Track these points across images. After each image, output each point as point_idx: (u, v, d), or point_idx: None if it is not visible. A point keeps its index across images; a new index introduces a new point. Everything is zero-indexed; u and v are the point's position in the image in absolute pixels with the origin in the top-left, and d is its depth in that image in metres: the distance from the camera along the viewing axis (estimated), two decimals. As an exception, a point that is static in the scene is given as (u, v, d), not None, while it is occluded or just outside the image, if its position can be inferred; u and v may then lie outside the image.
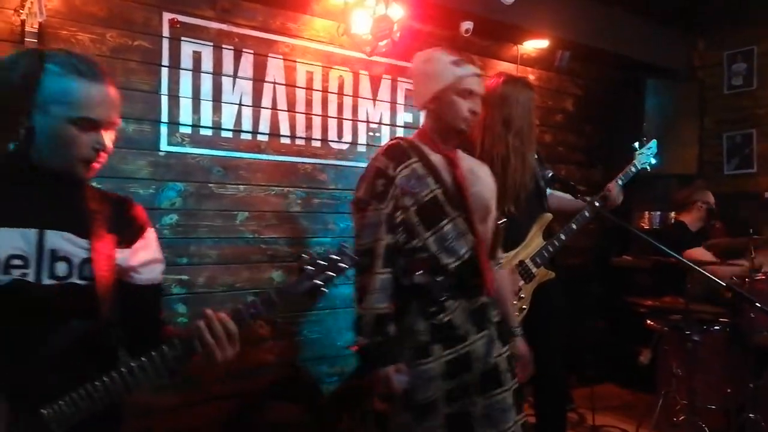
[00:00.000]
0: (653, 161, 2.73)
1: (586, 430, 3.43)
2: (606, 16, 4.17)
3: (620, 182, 2.62)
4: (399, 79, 3.54)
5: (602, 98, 4.57)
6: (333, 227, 3.28)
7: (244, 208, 2.99)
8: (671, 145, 4.31)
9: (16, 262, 1.18)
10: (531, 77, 4.16)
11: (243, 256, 2.95)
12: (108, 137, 1.27)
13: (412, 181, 1.79)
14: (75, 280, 1.23)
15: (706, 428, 2.73)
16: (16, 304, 1.18)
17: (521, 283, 2.36)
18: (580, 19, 4.04)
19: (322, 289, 1.30)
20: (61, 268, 1.22)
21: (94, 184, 1.39)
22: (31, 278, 1.19)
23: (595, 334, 4.37)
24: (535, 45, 4.06)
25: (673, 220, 4.24)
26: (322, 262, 1.30)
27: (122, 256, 1.31)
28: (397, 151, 1.85)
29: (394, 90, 3.53)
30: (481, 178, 1.94)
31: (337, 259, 1.32)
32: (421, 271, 1.78)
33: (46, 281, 1.20)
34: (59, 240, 1.23)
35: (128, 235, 1.34)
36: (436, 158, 1.86)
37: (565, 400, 2.79)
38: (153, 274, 1.38)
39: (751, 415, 2.69)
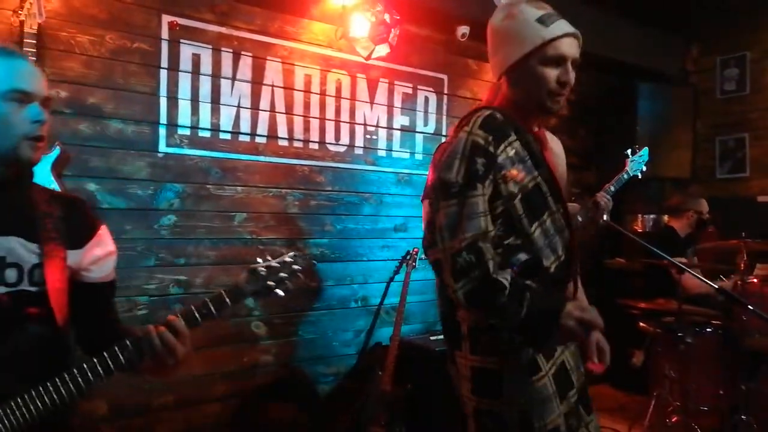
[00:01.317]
0: (644, 168, 2.77)
1: None
2: (600, 21, 4.22)
3: (612, 189, 2.65)
4: (396, 82, 3.56)
5: (596, 102, 4.61)
6: (330, 228, 3.30)
7: (242, 209, 3.01)
8: (665, 149, 4.35)
9: None
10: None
11: (241, 256, 2.97)
12: (45, 112, 1.24)
13: (516, 163, 1.45)
14: (26, 286, 1.21)
15: (698, 429, 2.76)
16: None
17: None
18: (574, 24, 4.02)
19: (275, 291, 1.30)
20: (10, 275, 1.20)
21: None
22: None
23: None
24: (530, 49, 4.09)
25: (664, 225, 4.29)
26: (275, 265, 1.31)
27: (74, 257, 1.29)
28: (497, 125, 1.46)
29: (391, 93, 3.56)
30: (561, 159, 1.68)
31: (290, 262, 1.32)
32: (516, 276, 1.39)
33: None
34: (8, 246, 1.21)
35: (80, 236, 1.32)
36: (530, 137, 1.51)
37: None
38: (105, 271, 1.36)
39: (743, 416, 2.73)
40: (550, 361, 1.47)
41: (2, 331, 1.18)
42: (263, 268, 1.30)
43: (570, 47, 1.48)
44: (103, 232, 1.37)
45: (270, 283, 1.29)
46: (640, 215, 4.52)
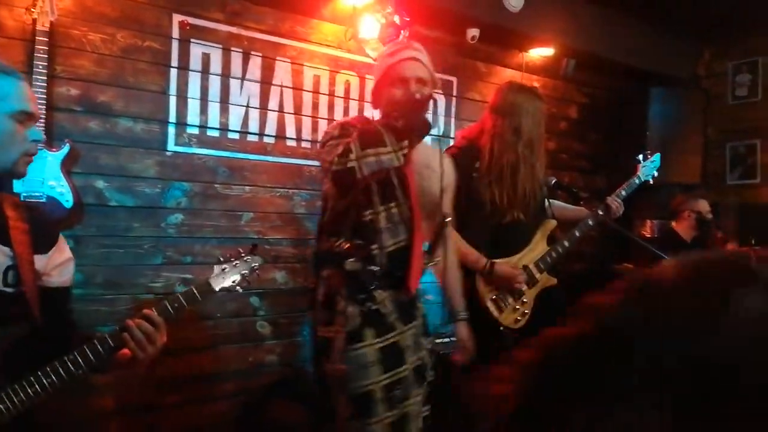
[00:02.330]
0: (656, 174, 2.76)
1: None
2: (612, 25, 4.19)
3: (624, 193, 2.63)
4: (405, 83, 3.56)
5: (606, 106, 4.59)
6: (337, 230, 3.30)
7: (249, 208, 3.01)
8: (674, 154, 4.32)
9: None
10: (536, 84, 4.18)
11: (247, 256, 2.97)
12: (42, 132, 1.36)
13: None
14: (0, 287, 1.27)
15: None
16: None
17: (524, 287, 2.37)
18: (586, 28, 4.06)
19: (237, 288, 1.50)
20: None
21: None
22: None
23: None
24: (540, 53, 4.08)
25: (667, 229, 4.26)
26: (234, 261, 1.48)
27: (40, 262, 1.35)
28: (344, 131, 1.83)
29: (399, 94, 3.55)
30: (435, 174, 1.93)
31: (248, 260, 1.51)
32: (354, 258, 1.80)
33: None
34: None
35: (44, 242, 1.38)
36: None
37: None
38: (65, 276, 1.43)
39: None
40: (381, 338, 1.81)
41: None
42: (226, 266, 1.49)
43: (412, 69, 1.79)
44: (62, 239, 1.45)
45: (233, 280, 1.50)
46: (648, 221, 4.49)
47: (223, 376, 2.91)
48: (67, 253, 1.45)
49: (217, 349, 2.88)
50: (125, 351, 1.33)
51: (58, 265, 1.40)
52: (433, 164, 1.94)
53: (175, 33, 2.79)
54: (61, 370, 1.24)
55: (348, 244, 1.82)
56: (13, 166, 1.30)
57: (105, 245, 2.61)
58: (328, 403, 1.86)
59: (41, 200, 2.29)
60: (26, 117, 1.31)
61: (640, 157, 2.75)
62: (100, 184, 2.61)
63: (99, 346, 1.29)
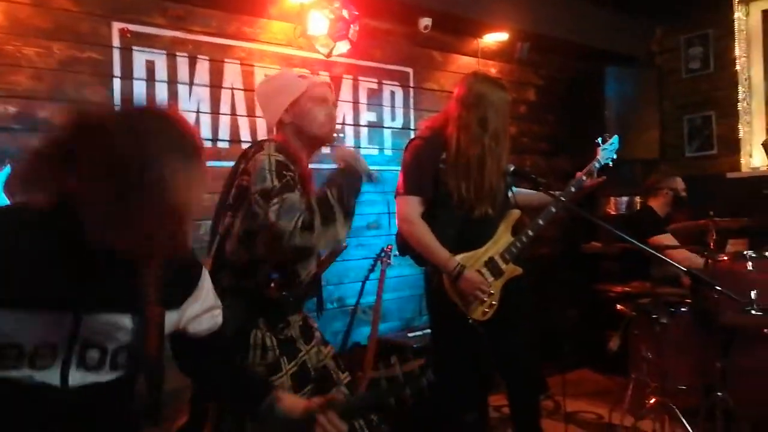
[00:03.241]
0: (615, 156, 2.78)
1: (561, 417, 3.47)
2: (564, 6, 4.21)
3: (584, 178, 2.64)
4: (360, 78, 3.51)
5: (563, 87, 4.61)
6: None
7: (206, 217, 2.93)
8: (633, 131, 4.37)
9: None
10: (492, 70, 4.18)
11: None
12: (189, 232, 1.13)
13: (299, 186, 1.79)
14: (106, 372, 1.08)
15: (676, 409, 2.78)
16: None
17: (491, 279, 2.36)
18: (539, 10, 4.06)
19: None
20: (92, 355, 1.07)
21: None
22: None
23: (569, 321, 4.43)
24: (495, 38, 4.07)
25: (639, 205, 4.31)
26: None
27: (171, 318, 1.18)
28: (288, 152, 1.82)
29: (355, 89, 3.51)
30: None
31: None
32: (275, 285, 1.78)
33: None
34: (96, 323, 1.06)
35: (179, 292, 1.20)
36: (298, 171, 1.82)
37: (536, 389, 2.82)
38: (209, 323, 1.28)
39: (719, 393, 2.75)
40: (293, 363, 1.80)
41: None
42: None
43: (330, 94, 1.95)
44: (204, 283, 1.27)
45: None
46: (612, 198, 4.54)
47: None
48: (208, 303, 1.29)
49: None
50: None
51: (194, 316, 1.26)
52: None
53: (116, 41, 2.70)
54: None
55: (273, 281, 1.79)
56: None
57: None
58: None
59: None
60: None
61: (600, 140, 2.76)
62: (48, 203, 2.51)
63: None
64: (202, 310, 1.25)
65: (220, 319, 1.31)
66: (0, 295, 0.98)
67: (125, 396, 1.13)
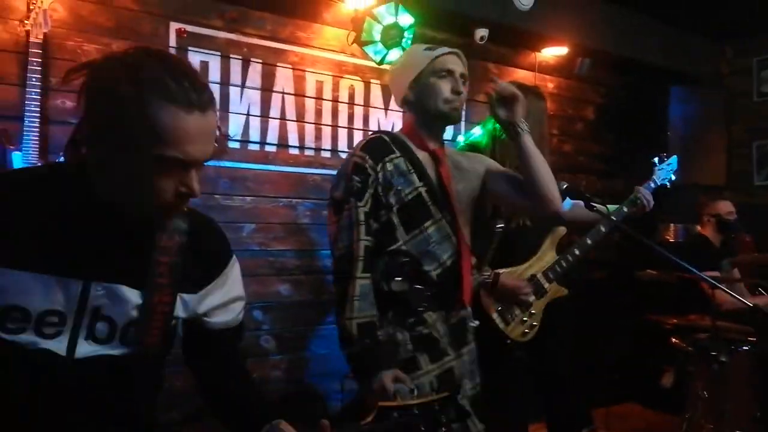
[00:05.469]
0: (673, 177, 2.61)
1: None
2: (628, 22, 4.05)
3: (638, 197, 2.49)
4: (412, 88, 3.46)
5: (624, 106, 4.43)
6: (343, 239, 3.21)
7: (250, 219, 2.93)
8: (698, 155, 4.14)
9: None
10: (550, 85, 4.06)
11: (249, 269, 2.89)
12: (196, 178, 1.00)
13: (395, 177, 1.65)
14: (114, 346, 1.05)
15: (733, 455, 2.57)
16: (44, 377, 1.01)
17: (532, 299, 2.25)
18: (601, 25, 3.92)
19: None
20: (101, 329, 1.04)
21: None
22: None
23: (618, 350, 4.21)
24: (553, 52, 3.95)
25: (697, 234, 4.07)
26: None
27: (187, 301, 1.12)
28: (378, 145, 1.69)
29: (406, 99, 3.45)
30: (468, 174, 1.80)
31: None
32: (401, 278, 1.63)
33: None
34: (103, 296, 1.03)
35: (200, 276, 1.13)
36: (422, 155, 1.72)
37: (578, 421, 2.66)
38: (228, 316, 1.20)
39: (782, 441, 2.53)
40: (436, 364, 1.66)
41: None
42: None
43: (456, 64, 1.72)
44: (231, 271, 1.21)
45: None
46: (671, 224, 4.31)
47: None
48: (231, 294, 1.22)
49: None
50: None
51: (215, 307, 1.19)
52: (463, 164, 1.82)
53: (173, 41, 2.73)
54: None
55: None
56: (143, 215, 1.06)
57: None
58: None
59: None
60: (177, 165, 1.01)
61: (656, 159, 2.61)
62: (97, 197, 2.55)
63: None
64: (225, 300, 1.19)
65: (240, 316, 1.23)
66: (6, 254, 0.95)
67: (140, 373, 1.09)
